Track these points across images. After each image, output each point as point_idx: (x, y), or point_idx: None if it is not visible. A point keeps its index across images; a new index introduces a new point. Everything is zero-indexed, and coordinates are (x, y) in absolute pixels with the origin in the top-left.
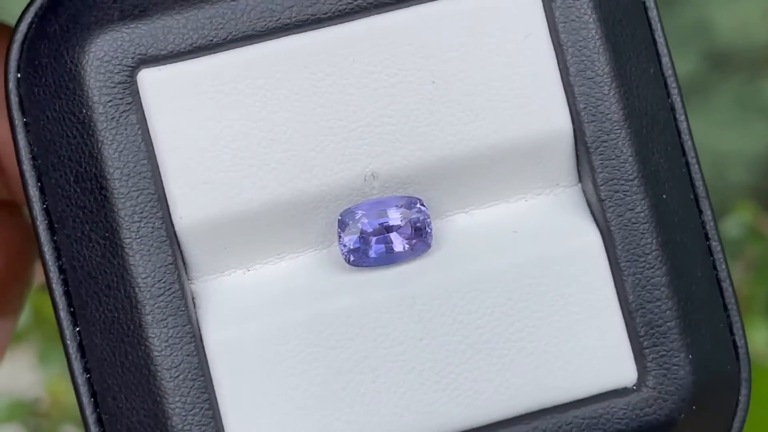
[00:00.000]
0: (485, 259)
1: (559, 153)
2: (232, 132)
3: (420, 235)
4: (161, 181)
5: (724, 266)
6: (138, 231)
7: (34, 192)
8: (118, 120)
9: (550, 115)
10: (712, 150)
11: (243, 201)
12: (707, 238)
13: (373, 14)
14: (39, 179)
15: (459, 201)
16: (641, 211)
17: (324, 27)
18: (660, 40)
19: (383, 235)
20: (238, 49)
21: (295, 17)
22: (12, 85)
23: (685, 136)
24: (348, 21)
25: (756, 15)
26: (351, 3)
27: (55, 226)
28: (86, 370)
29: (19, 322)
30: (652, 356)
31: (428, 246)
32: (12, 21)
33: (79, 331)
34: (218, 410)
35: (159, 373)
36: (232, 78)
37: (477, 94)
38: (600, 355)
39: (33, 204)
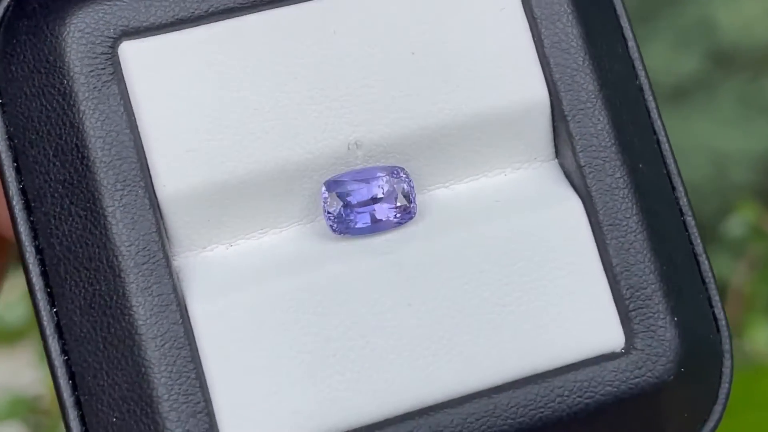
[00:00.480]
0: (470, 226)
1: (536, 124)
2: (215, 102)
3: (404, 204)
4: (143, 150)
5: (699, 241)
6: (121, 199)
7: (10, 172)
8: (100, 90)
9: (528, 85)
10: (715, 149)
11: (227, 169)
12: (681, 213)
13: None
14: (15, 159)
15: (440, 174)
16: (620, 177)
17: (305, 0)
18: (625, 24)
19: (368, 204)
20: (219, 21)
21: None
22: None
23: (654, 116)
24: None
25: (759, 14)
26: None
27: (32, 204)
28: (64, 351)
29: (20, 320)
30: (638, 318)
31: (413, 215)
32: None
33: (56, 312)
34: (205, 379)
35: (144, 343)
36: (213, 50)
37: (456, 64)
38: (587, 319)
39: (9, 184)
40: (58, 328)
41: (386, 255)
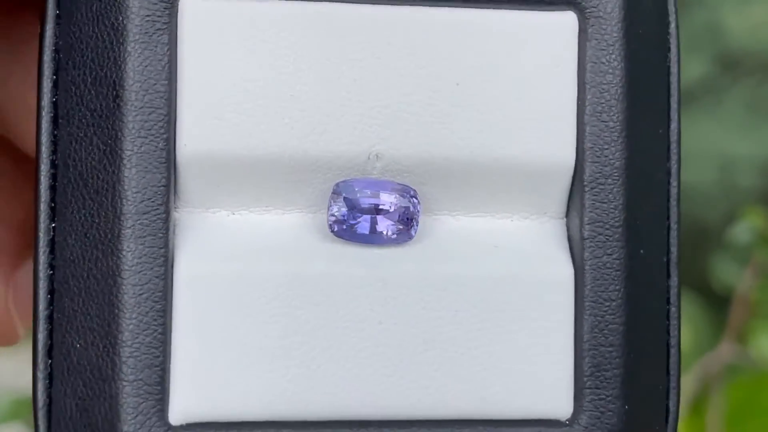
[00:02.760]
0: (462, 264)
1: (555, 184)
2: (256, 78)
3: (406, 224)
4: (176, 105)
5: (676, 333)
6: (141, 146)
7: (47, 83)
8: (151, 35)
9: (558, 147)
10: (722, 153)
11: (247, 145)
12: (668, 303)
13: (420, 4)
14: (55, 72)
15: (449, 203)
16: (618, 259)
17: (371, 3)
18: (674, 105)
19: (372, 215)
20: (283, 0)
21: None
22: None
23: (673, 202)
24: (395, 3)
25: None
26: None
27: (60, 121)
28: (51, 266)
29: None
30: (591, 397)
31: (411, 237)
32: None
33: (54, 227)
34: (170, 338)
35: (123, 287)
36: (270, 26)
37: (496, 106)
38: (543, 383)
39: (43, 94)
40: (52, 243)
41: (373, 269)
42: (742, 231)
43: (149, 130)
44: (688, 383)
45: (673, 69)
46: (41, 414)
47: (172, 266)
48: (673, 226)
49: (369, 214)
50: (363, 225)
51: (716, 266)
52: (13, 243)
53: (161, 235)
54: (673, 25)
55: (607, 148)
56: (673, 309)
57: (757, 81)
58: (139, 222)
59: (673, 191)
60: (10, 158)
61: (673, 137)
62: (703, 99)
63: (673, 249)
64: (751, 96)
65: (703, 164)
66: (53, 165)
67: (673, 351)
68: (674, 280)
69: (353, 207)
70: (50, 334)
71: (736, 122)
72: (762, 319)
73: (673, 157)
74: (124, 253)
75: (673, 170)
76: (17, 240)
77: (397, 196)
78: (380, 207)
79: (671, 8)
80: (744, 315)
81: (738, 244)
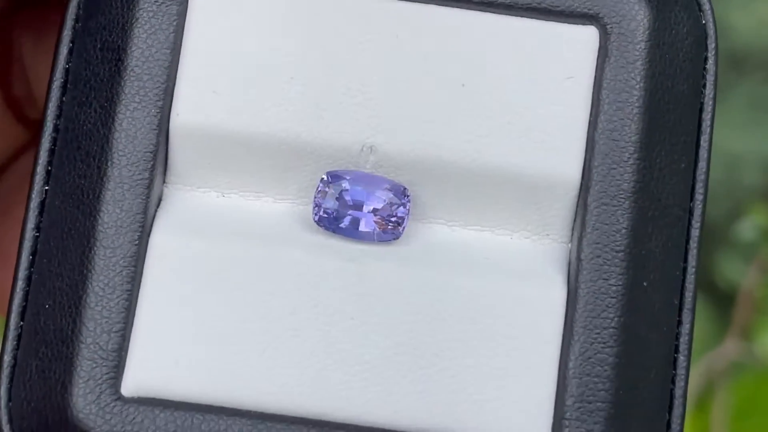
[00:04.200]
0: (445, 270)
1: (558, 202)
2: (258, 57)
3: (393, 223)
4: (175, 76)
5: (683, 384)
6: (133, 111)
7: (63, 49)
8: (159, 5)
9: (563, 162)
10: (726, 151)
11: (240, 123)
12: (677, 351)
13: (434, 3)
14: (72, 40)
15: (444, 210)
16: (614, 285)
17: None
18: (704, 144)
19: (357, 209)
20: None
21: None
22: None
23: (693, 244)
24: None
25: None
26: None
27: (68, 86)
28: (38, 228)
29: None
30: (569, 429)
31: (397, 236)
32: None
33: (47, 190)
34: (134, 306)
35: (95, 248)
36: (278, 7)
37: (501, 113)
38: (519, 407)
39: (58, 61)
40: (42, 205)
41: (352, 262)
42: (747, 228)
43: (144, 96)
44: (692, 380)
45: (707, 107)
46: (4, 375)
47: (149, 236)
48: (690, 270)
49: (354, 208)
50: (348, 219)
51: (721, 263)
52: None
53: (140, 201)
54: (711, 62)
55: (615, 168)
56: (681, 359)
57: (762, 78)
58: (119, 184)
59: (694, 233)
60: None
61: (700, 176)
62: None
63: (688, 294)
64: (755, 93)
65: None
66: (56, 129)
67: (676, 402)
68: (686, 327)
69: (339, 199)
70: (26, 296)
71: (741, 119)
72: (767, 316)
73: (698, 197)
74: (101, 215)
75: (697, 211)
76: None
77: (389, 193)
78: (367, 202)
79: (710, 44)
80: (749, 312)
81: (743, 241)
